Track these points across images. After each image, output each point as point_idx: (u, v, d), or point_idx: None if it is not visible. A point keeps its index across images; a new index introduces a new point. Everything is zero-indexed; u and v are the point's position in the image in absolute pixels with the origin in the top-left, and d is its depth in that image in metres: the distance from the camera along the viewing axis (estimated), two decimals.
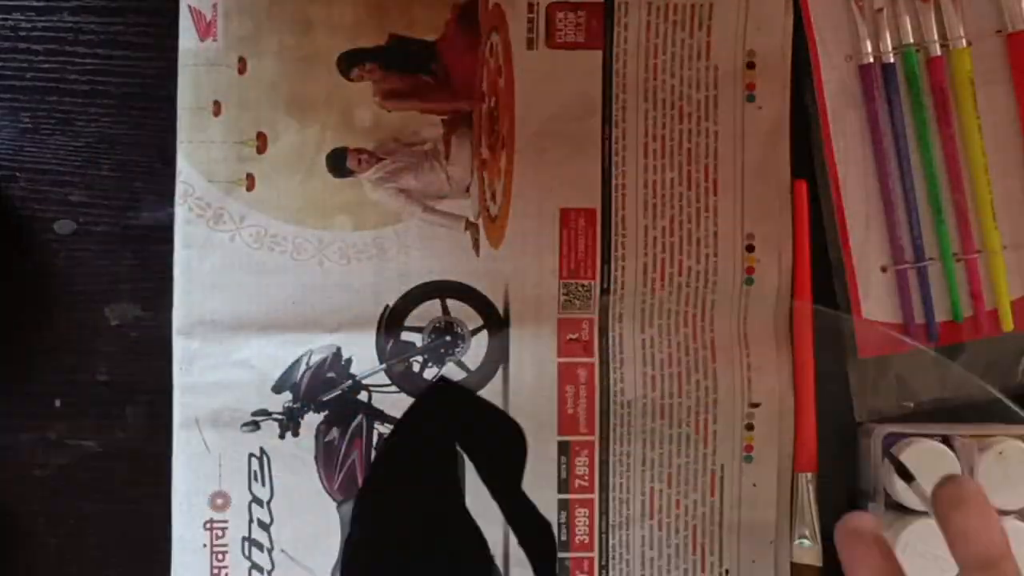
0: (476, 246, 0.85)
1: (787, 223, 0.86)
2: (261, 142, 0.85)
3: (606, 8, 0.85)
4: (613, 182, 0.85)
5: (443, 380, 0.85)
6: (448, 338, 0.86)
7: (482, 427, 0.85)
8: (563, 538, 0.86)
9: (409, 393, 0.85)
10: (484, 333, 0.86)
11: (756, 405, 0.86)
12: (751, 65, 0.85)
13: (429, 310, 0.85)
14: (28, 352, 0.84)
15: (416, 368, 0.85)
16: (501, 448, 0.85)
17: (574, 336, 0.86)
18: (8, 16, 0.84)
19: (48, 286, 0.83)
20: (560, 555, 0.86)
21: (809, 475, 0.85)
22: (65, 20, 0.84)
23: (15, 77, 0.85)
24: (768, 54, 0.85)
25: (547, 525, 0.85)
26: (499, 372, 0.85)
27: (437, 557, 0.84)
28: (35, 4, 0.84)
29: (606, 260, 0.86)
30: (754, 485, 0.86)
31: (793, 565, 0.86)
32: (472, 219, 0.85)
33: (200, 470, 0.85)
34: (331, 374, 0.85)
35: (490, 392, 0.85)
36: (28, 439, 0.85)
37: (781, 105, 0.86)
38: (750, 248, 0.86)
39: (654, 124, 0.85)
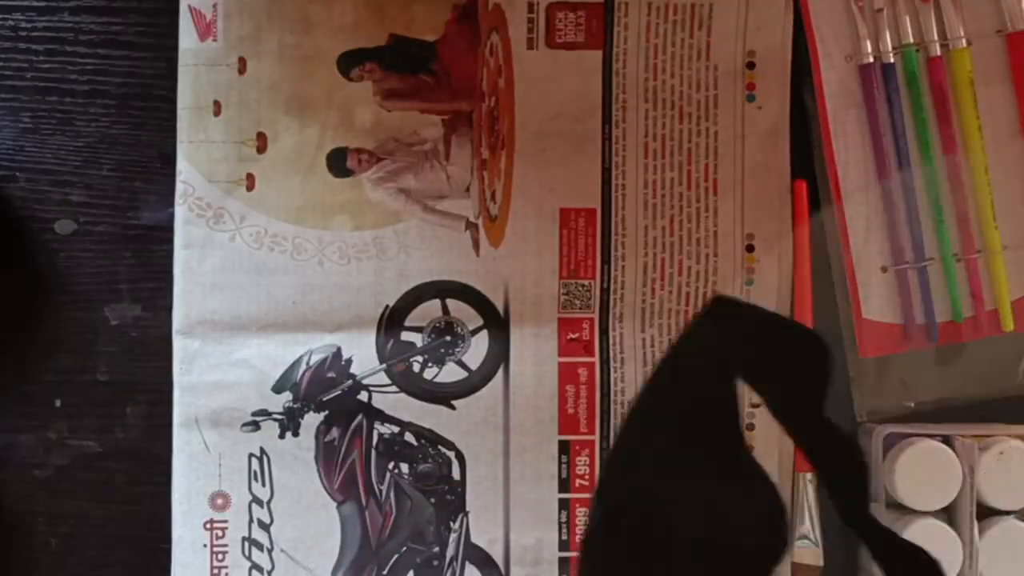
0: (476, 246, 0.85)
1: (787, 223, 0.86)
2: (261, 142, 0.85)
3: (606, 8, 0.85)
4: (613, 182, 0.86)
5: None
6: (448, 338, 0.86)
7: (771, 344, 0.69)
8: (564, 537, 0.86)
9: (409, 393, 0.85)
10: (484, 333, 0.86)
11: (757, 405, 0.86)
12: (751, 65, 0.85)
13: (429, 310, 0.86)
14: (28, 352, 0.84)
15: (416, 368, 0.85)
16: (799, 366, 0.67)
17: (574, 336, 0.86)
18: (8, 16, 0.84)
19: (48, 286, 0.83)
20: (561, 554, 0.86)
21: (809, 475, 0.85)
22: (65, 20, 0.84)
23: (15, 77, 0.85)
24: (768, 54, 0.85)
25: (857, 449, 0.76)
26: (499, 372, 0.86)
27: (719, 510, 0.66)
28: (35, 4, 0.84)
29: (606, 260, 0.86)
30: None
31: (793, 565, 0.86)
32: (472, 219, 0.86)
33: (200, 470, 0.85)
34: (331, 374, 0.85)
35: (490, 392, 0.86)
36: (28, 439, 0.85)
37: (781, 105, 0.86)
38: (750, 248, 0.86)
39: (654, 124, 0.86)
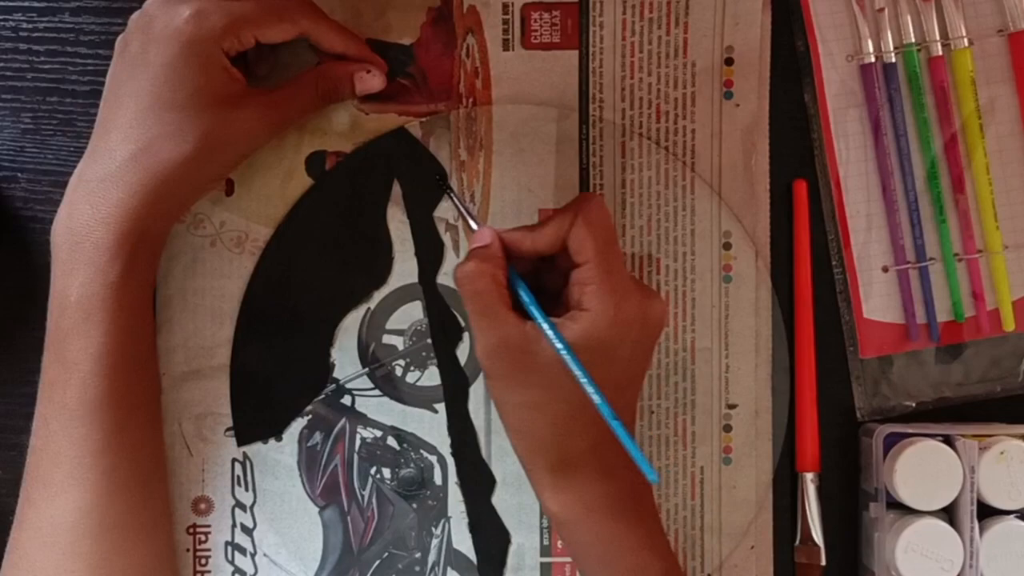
0: (456, 248, 0.85)
1: (764, 220, 0.85)
2: None
3: (581, 7, 0.85)
4: (591, 182, 0.85)
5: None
6: (430, 341, 0.86)
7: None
8: (545, 542, 0.85)
9: (392, 397, 0.85)
10: (466, 336, 0.86)
11: (733, 406, 0.85)
12: (729, 61, 0.85)
13: (410, 313, 0.86)
14: (28, 352, 0.85)
15: (399, 372, 0.85)
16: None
17: None
18: (9, 17, 0.86)
19: (48, 287, 0.83)
20: (543, 560, 0.85)
21: (810, 475, 0.85)
22: (66, 21, 0.86)
23: (16, 78, 0.86)
24: (746, 50, 0.85)
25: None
26: (481, 376, 0.85)
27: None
28: (36, 5, 0.86)
29: None
30: (734, 487, 0.85)
31: (795, 565, 0.85)
32: (451, 221, 0.85)
33: (183, 475, 0.85)
34: None
35: (475, 393, 0.85)
36: (28, 439, 0.86)
37: (759, 102, 0.85)
38: (727, 246, 0.85)
39: (631, 123, 0.85)
